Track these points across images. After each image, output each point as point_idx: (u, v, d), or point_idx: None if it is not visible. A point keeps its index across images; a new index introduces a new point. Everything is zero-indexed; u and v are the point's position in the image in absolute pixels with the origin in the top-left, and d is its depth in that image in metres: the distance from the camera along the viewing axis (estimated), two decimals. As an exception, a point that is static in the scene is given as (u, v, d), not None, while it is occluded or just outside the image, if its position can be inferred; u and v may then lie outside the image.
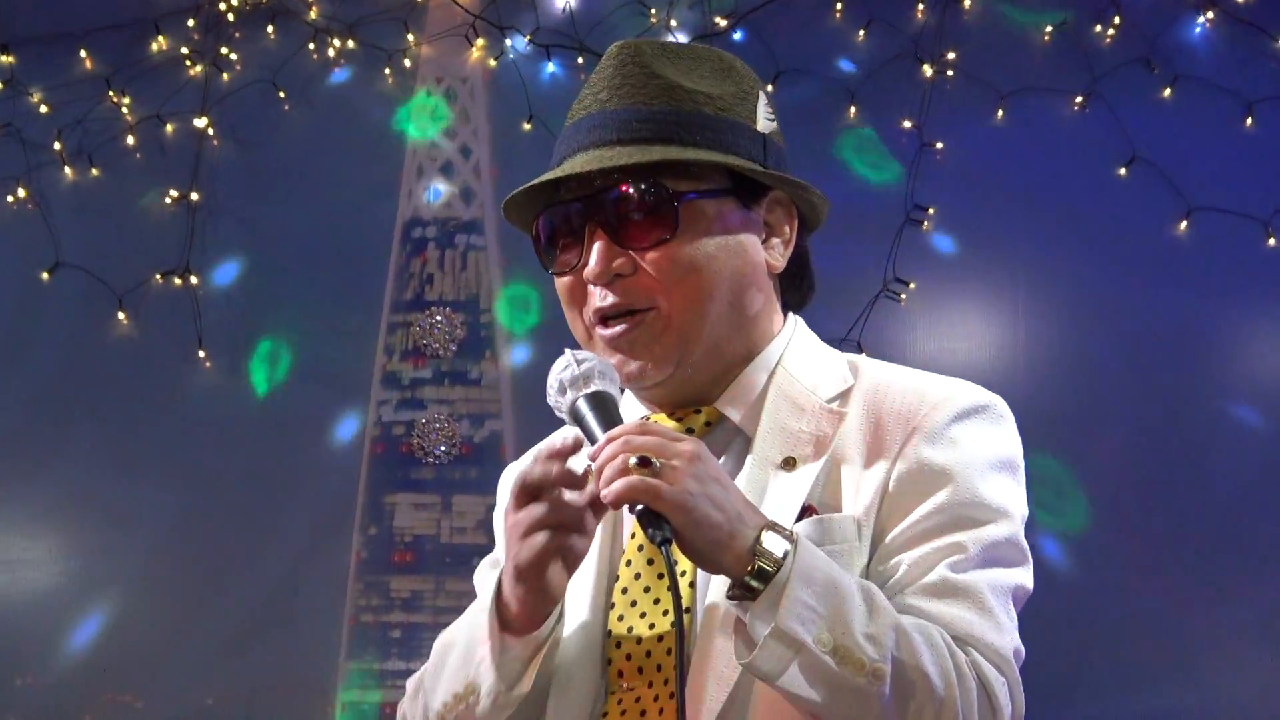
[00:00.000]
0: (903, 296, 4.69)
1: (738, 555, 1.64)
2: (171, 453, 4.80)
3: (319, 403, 4.82)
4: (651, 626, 1.81)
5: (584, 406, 1.75)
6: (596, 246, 1.84)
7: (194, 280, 4.87)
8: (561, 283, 1.91)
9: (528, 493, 1.69)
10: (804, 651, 1.62)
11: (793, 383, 1.89)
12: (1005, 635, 1.74)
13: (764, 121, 1.92)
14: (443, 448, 4.80)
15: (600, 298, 1.85)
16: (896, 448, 1.80)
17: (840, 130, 4.78)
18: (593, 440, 1.72)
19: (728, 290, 1.86)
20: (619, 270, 1.84)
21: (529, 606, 1.74)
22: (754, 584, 1.64)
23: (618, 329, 1.85)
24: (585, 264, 1.85)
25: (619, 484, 1.62)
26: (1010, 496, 1.81)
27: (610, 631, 1.83)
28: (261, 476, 4.79)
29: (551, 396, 1.79)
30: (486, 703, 1.77)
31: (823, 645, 1.62)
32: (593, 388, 1.76)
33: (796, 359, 1.92)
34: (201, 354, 4.86)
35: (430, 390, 4.84)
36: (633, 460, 1.63)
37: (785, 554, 1.64)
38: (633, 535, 1.88)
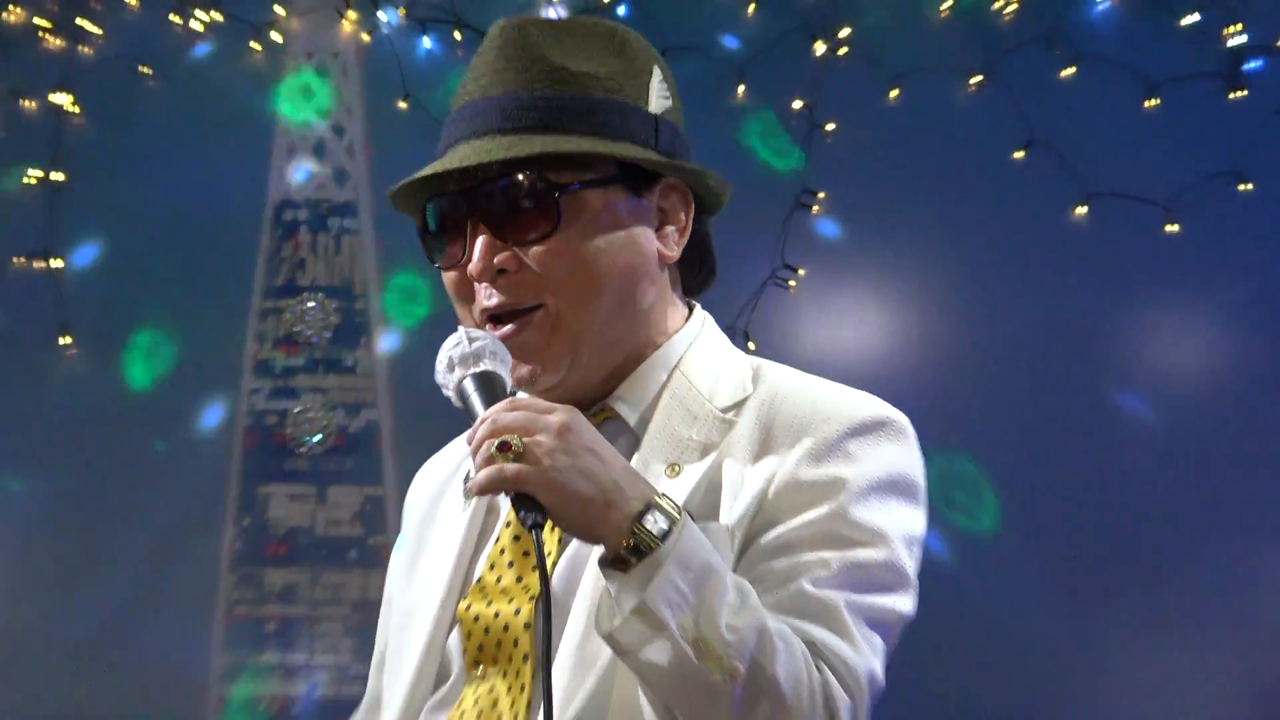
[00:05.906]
0: (791, 284, 4.68)
1: (615, 527, 1.63)
2: (34, 444, 4.74)
3: (188, 392, 4.78)
4: (517, 612, 1.80)
5: (469, 386, 1.72)
6: (479, 241, 1.81)
7: (56, 263, 4.77)
8: (448, 277, 1.88)
9: None
10: (665, 633, 1.61)
11: (689, 389, 1.86)
12: (860, 657, 1.71)
13: (657, 101, 1.87)
14: (317, 437, 4.74)
15: (486, 296, 1.83)
16: (781, 458, 1.78)
17: (728, 110, 4.73)
18: (473, 422, 1.71)
19: (617, 285, 1.84)
20: (502, 265, 1.81)
21: None
22: (629, 558, 1.62)
23: (506, 330, 1.82)
24: (470, 259, 1.82)
25: (479, 475, 1.61)
26: (893, 518, 1.77)
27: (458, 618, 1.83)
28: (129, 468, 4.74)
29: (439, 373, 1.76)
30: None
31: (684, 632, 1.61)
32: (481, 367, 1.73)
33: (697, 362, 1.90)
34: (65, 340, 4.80)
35: (304, 379, 4.83)
36: (494, 445, 1.61)
37: (664, 534, 1.62)
38: (508, 522, 1.87)
